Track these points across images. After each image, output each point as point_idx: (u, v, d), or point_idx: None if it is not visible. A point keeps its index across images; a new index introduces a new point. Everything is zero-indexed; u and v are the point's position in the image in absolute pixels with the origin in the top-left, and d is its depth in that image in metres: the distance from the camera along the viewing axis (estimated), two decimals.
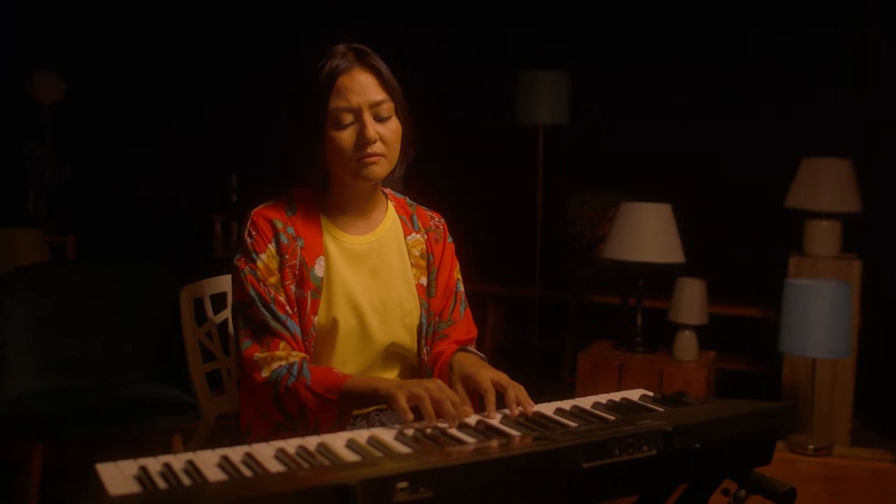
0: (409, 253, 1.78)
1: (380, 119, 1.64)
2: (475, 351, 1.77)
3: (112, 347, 2.99)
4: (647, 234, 3.36)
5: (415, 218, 1.83)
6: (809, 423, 3.26)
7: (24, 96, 4.43)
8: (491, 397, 1.51)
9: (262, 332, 1.62)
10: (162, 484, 1.15)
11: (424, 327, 1.77)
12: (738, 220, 4.42)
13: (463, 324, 1.83)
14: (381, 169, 1.65)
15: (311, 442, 1.33)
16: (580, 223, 4.28)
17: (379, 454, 1.28)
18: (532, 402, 1.52)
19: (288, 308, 1.64)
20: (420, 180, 4.77)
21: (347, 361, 1.70)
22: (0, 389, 2.72)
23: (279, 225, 1.66)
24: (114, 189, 4.90)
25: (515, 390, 1.51)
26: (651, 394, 1.64)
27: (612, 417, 1.46)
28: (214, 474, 1.18)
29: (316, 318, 1.66)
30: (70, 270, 3.13)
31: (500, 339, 5.04)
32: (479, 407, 1.53)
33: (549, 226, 4.58)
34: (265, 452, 1.28)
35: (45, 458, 2.65)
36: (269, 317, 1.62)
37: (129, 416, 2.72)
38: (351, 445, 1.31)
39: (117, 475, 1.18)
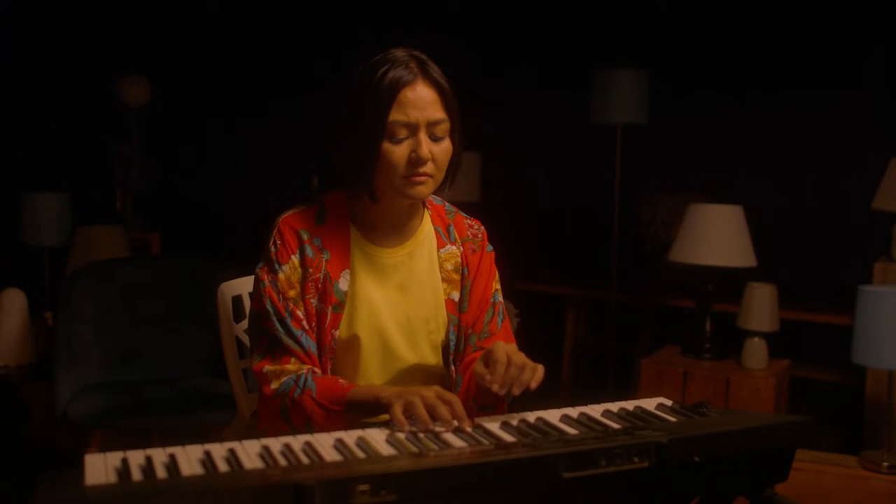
0: (442, 267, 1.72)
1: (434, 138, 1.58)
2: None
3: (175, 342, 3.09)
4: (717, 236, 3.24)
5: (451, 228, 1.76)
6: (889, 438, 3.06)
7: (113, 99, 4.61)
8: (500, 369, 1.44)
9: (275, 346, 1.60)
10: (138, 476, 1.17)
11: (452, 344, 1.71)
12: (823, 223, 4.21)
13: (500, 336, 1.75)
14: (427, 189, 1.60)
15: (299, 440, 1.32)
16: (653, 225, 4.16)
17: (362, 455, 1.27)
18: (529, 386, 1.45)
19: (305, 323, 1.61)
20: (496, 182, 4.75)
21: (373, 378, 1.67)
22: (66, 380, 2.84)
23: (305, 236, 1.63)
24: (197, 188, 5.05)
25: (519, 370, 1.44)
26: (669, 403, 1.56)
27: (618, 426, 1.41)
28: (192, 469, 1.19)
29: (337, 333, 1.63)
30: (136, 266, 3.24)
31: (578, 342, 4.96)
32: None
33: (625, 228, 4.48)
34: (251, 449, 1.28)
35: (105, 447, 2.75)
36: (282, 332, 1.60)
37: (185, 409, 2.79)
38: (337, 445, 1.30)
39: (101, 465, 1.20)
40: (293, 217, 1.67)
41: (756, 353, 3.20)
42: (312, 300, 1.62)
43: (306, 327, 1.61)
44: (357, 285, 1.65)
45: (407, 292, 1.68)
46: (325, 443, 1.31)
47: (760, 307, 3.22)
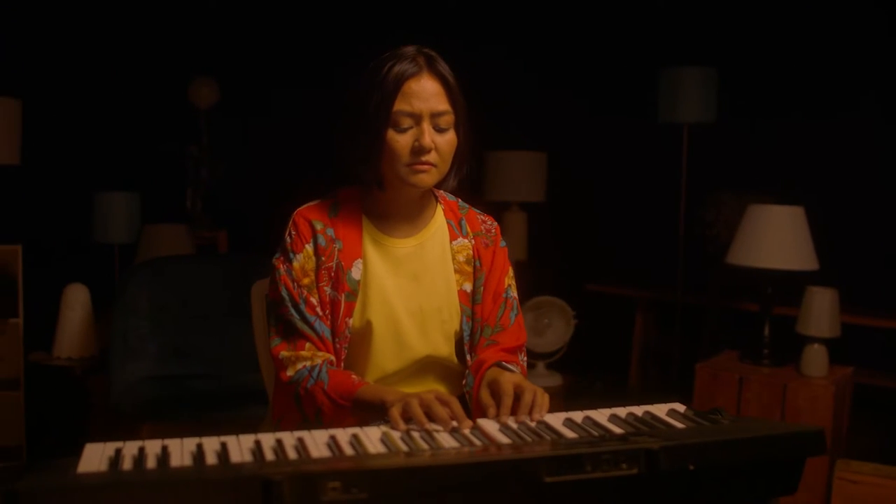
0: (454, 258, 1.75)
1: (438, 129, 1.62)
2: (509, 366, 1.70)
3: (225, 338, 3.15)
4: (776, 238, 3.13)
5: (463, 222, 1.79)
6: None
7: (183, 101, 4.75)
8: (508, 401, 1.47)
9: (290, 331, 1.65)
10: (128, 466, 1.20)
11: (466, 334, 1.73)
12: (888, 227, 4.03)
13: (513, 330, 1.77)
14: (430, 178, 1.64)
15: (293, 436, 1.33)
16: (716, 226, 4.05)
17: (351, 452, 1.27)
18: (543, 411, 1.46)
19: (318, 310, 1.65)
20: (562, 182, 4.68)
21: (385, 367, 1.70)
22: (121, 373, 2.94)
23: (318, 226, 1.68)
24: (264, 187, 5.14)
25: (533, 395, 1.47)
26: (682, 409, 1.51)
27: (620, 431, 1.37)
28: (180, 461, 1.21)
29: (350, 321, 1.66)
30: (191, 263, 3.32)
31: (647, 344, 4.87)
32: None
33: (692, 229, 4.37)
34: (244, 444, 1.30)
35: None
36: (297, 318, 1.64)
37: (232, 404, 2.85)
38: (329, 443, 1.31)
39: (97, 454, 1.24)
40: (308, 209, 1.72)
41: (815, 359, 3.07)
42: (326, 288, 1.66)
43: (320, 313, 1.65)
44: (369, 274, 1.68)
45: (419, 282, 1.71)
46: (318, 440, 1.32)
47: (820, 312, 3.09)
